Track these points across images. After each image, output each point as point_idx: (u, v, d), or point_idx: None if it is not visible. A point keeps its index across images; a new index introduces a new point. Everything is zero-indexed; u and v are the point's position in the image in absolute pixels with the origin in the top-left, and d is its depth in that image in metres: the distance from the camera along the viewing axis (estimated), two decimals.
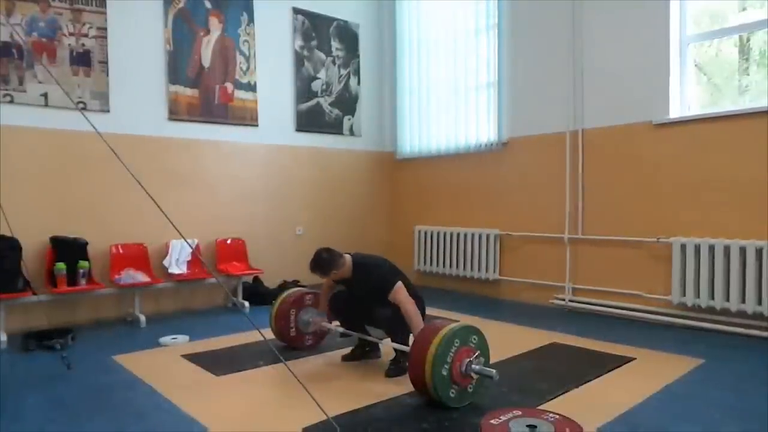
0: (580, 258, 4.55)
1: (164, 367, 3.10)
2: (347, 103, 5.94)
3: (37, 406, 2.50)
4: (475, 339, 2.51)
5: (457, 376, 2.40)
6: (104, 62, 4.33)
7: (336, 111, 5.85)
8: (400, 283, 2.88)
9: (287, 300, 3.38)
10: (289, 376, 2.11)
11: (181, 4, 4.74)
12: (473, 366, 2.42)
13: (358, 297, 3.06)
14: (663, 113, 4.02)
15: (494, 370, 2.41)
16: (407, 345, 2.77)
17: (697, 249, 3.80)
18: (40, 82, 4.05)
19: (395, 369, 2.88)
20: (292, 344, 3.37)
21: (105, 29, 4.34)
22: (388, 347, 2.96)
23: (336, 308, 3.19)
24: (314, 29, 5.65)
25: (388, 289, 2.86)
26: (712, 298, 3.73)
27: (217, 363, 3.13)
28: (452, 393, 2.41)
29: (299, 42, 5.54)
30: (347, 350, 3.25)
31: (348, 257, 3.01)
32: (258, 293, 4.91)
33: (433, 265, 5.63)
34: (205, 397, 2.63)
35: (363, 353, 3.20)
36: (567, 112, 4.56)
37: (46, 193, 4.08)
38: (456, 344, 2.40)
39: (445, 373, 2.36)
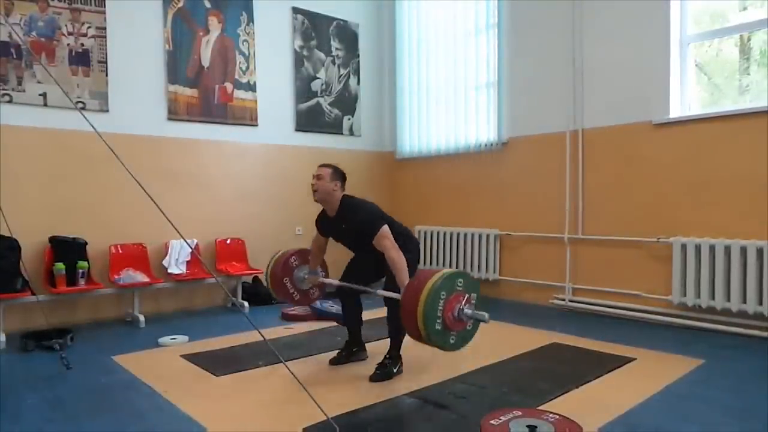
0: (580, 258, 4.54)
1: (163, 367, 3.10)
2: (347, 102, 5.94)
3: (36, 406, 2.50)
4: (461, 282, 2.43)
5: (452, 324, 2.39)
6: (103, 62, 4.33)
7: (336, 111, 5.84)
8: (386, 228, 2.73)
9: (275, 272, 3.22)
10: (288, 376, 2.11)
11: (181, 4, 4.73)
12: (465, 311, 2.40)
13: (346, 243, 3.00)
14: (663, 113, 4.02)
15: (486, 314, 2.42)
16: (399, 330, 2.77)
17: (698, 249, 3.79)
18: (39, 82, 4.04)
19: (381, 374, 2.83)
20: (280, 292, 3.28)
21: (104, 29, 4.33)
22: (375, 349, 2.95)
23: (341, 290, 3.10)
24: (314, 29, 5.64)
25: (372, 233, 2.72)
26: (713, 298, 3.72)
27: (217, 363, 3.12)
28: (452, 339, 2.41)
29: (299, 42, 5.53)
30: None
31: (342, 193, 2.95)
32: (257, 293, 4.90)
33: (433, 265, 5.62)
34: (204, 397, 2.62)
35: (350, 354, 3.15)
36: (567, 111, 4.56)
37: (45, 193, 4.07)
38: (442, 297, 2.34)
39: (439, 327, 2.34)
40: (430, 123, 5.79)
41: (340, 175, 2.95)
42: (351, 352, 3.16)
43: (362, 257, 3.07)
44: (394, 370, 2.87)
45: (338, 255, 3.26)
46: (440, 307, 2.34)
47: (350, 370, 3.02)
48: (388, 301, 2.83)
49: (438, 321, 2.33)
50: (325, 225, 3.07)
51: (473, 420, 2.25)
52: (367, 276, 3.02)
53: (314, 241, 3.21)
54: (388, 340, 2.97)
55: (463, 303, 2.41)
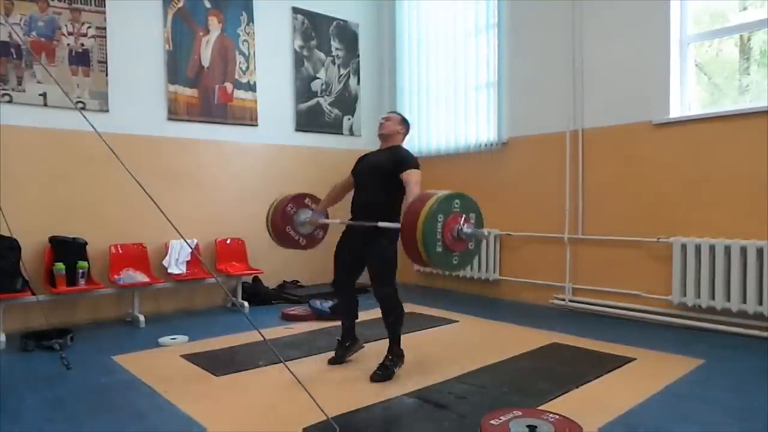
0: (580, 258, 4.54)
1: (164, 367, 3.10)
2: (347, 102, 5.94)
3: (36, 406, 2.50)
4: (457, 203, 2.44)
5: (453, 245, 2.41)
6: (103, 62, 4.33)
7: (336, 111, 5.84)
8: (420, 172, 2.90)
9: (276, 223, 3.29)
10: (288, 376, 2.11)
11: (181, 4, 4.73)
12: (465, 230, 2.42)
13: (368, 177, 3.03)
14: (663, 113, 4.02)
15: (486, 230, 2.48)
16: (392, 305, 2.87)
17: (698, 249, 3.79)
18: (39, 82, 4.04)
19: (382, 375, 2.83)
20: (285, 242, 3.30)
21: (104, 29, 4.33)
22: (376, 349, 2.95)
23: (337, 285, 3.16)
24: (314, 29, 5.64)
25: (408, 166, 2.87)
26: (713, 298, 3.72)
27: (217, 363, 3.12)
28: (455, 260, 2.46)
29: (299, 42, 5.53)
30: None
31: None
32: (258, 293, 4.90)
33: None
34: (204, 397, 2.62)
35: (345, 349, 3.15)
36: (567, 111, 4.55)
37: (45, 193, 4.07)
38: (440, 219, 2.36)
39: (440, 249, 2.37)
40: (430, 123, 5.79)
41: (406, 123, 3.19)
42: (345, 347, 3.16)
43: (363, 204, 3.03)
44: (396, 370, 2.87)
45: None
46: (438, 230, 2.36)
47: (350, 370, 3.02)
48: (381, 302, 2.90)
49: (438, 243, 2.36)
50: (364, 159, 3.17)
51: (473, 420, 2.25)
52: (354, 265, 3.07)
53: (338, 184, 3.30)
54: (387, 340, 2.97)
55: (462, 223, 2.43)
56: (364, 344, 3.25)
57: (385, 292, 2.90)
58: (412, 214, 2.39)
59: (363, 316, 3.24)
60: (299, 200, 3.34)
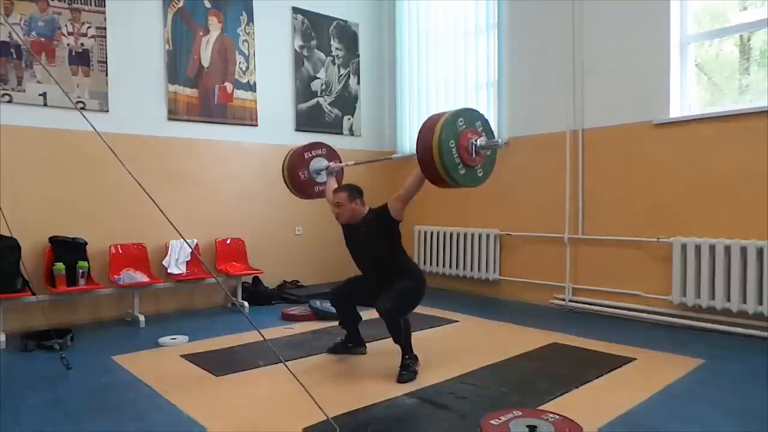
0: (580, 258, 4.54)
1: (164, 367, 3.10)
2: (347, 102, 5.94)
3: (36, 406, 2.50)
4: (461, 122, 2.54)
5: (472, 161, 2.54)
6: (103, 62, 4.32)
7: (336, 111, 5.84)
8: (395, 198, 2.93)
9: (304, 145, 3.51)
10: (288, 376, 2.10)
11: (181, 4, 4.73)
12: (478, 144, 2.54)
13: (362, 254, 3.10)
14: (663, 113, 4.02)
15: (498, 140, 2.61)
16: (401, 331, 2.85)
17: (698, 249, 3.79)
18: (39, 82, 4.04)
19: (408, 374, 2.79)
20: (301, 189, 3.49)
21: (104, 29, 4.33)
22: (377, 348, 2.95)
23: (338, 299, 3.20)
24: (314, 29, 5.64)
25: (387, 213, 2.91)
26: (713, 298, 3.72)
27: (217, 363, 3.12)
28: (480, 173, 2.62)
29: (299, 42, 5.53)
30: (383, 345, 3.28)
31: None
32: (258, 293, 4.90)
33: (433, 266, 5.62)
34: (204, 397, 2.62)
35: (347, 347, 3.27)
36: (567, 111, 4.55)
37: (45, 193, 4.07)
38: (452, 145, 2.47)
39: (463, 171, 2.51)
40: None
41: (357, 193, 3.05)
42: (347, 347, 3.27)
43: (368, 274, 3.12)
44: (417, 369, 2.88)
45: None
46: (455, 154, 2.48)
47: (350, 370, 3.02)
48: (385, 316, 2.82)
49: (460, 167, 2.51)
50: (350, 238, 3.15)
51: (473, 420, 2.25)
52: (365, 294, 3.04)
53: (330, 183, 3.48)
54: (391, 341, 2.95)
55: (473, 138, 2.54)
56: (367, 342, 3.26)
57: (386, 308, 2.79)
58: (425, 152, 2.49)
59: (364, 315, 3.24)
60: (316, 146, 3.52)
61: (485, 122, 2.64)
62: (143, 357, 3.31)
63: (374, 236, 2.96)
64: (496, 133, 5.10)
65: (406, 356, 2.88)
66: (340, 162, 3.62)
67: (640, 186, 4.16)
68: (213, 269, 4.73)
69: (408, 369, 2.82)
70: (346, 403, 2.44)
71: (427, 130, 2.50)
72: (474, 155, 2.54)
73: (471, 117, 2.59)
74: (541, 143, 4.79)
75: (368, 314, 3.28)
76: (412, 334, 2.95)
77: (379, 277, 2.97)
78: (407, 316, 2.92)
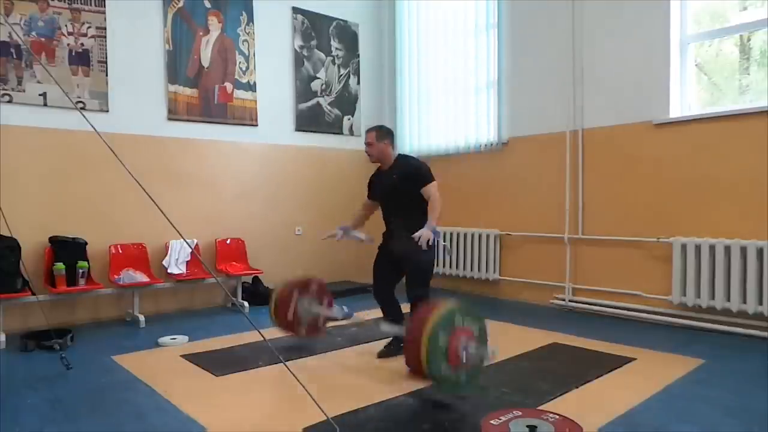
0: (580, 258, 4.54)
1: (164, 367, 3.10)
2: (347, 102, 5.94)
3: (36, 406, 2.50)
4: (460, 320, 2.45)
5: (457, 362, 2.38)
6: (103, 62, 4.32)
7: (335, 111, 5.84)
8: (436, 183, 3.07)
9: (293, 282, 3.37)
10: (288, 376, 2.10)
11: (181, 4, 4.73)
12: (470, 350, 2.41)
13: (389, 197, 3.20)
14: (663, 113, 4.02)
15: (492, 348, 2.48)
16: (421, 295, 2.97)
17: (698, 249, 3.79)
18: (39, 82, 4.04)
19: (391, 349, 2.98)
20: (284, 327, 3.36)
21: (104, 29, 4.33)
22: (375, 348, 2.95)
23: (379, 297, 3.29)
24: (314, 29, 5.64)
25: (425, 180, 3.05)
26: (713, 298, 3.72)
27: (217, 363, 3.12)
28: (462, 378, 2.43)
29: (299, 42, 5.53)
30: (381, 345, 3.27)
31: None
32: (257, 293, 4.90)
33: (436, 266, 5.62)
34: (204, 397, 2.62)
35: (399, 349, 3.13)
36: (567, 111, 4.55)
37: (45, 193, 4.07)
38: (443, 340, 2.34)
39: (444, 367, 2.35)
40: (430, 123, 5.79)
41: (386, 133, 3.23)
42: (399, 347, 3.16)
43: (391, 231, 3.23)
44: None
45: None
46: (443, 349, 2.33)
47: (351, 370, 3.02)
48: (413, 304, 2.99)
49: (443, 364, 2.34)
50: (377, 180, 3.32)
51: (473, 420, 2.25)
52: (391, 277, 3.23)
53: (363, 205, 3.47)
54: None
55: (466, 340, 2.40)
56: (363, 344, 3.26)
57: (416, 294, 3.03)
58: (414, 334, 2.38)
59: (365, 315, 3.25)
60: (305, 287, 3.37)
61: (483, 328, 2.52)
62: (143, 357, 3.31)
63: (404, 178, 3.11)
64: (496, 133, 5.15)
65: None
66: (330, 300, 3.48)
67: (640, 186, 4.16)
68: (213, 269, 4.73)
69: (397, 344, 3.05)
70: (346, 403, 2.44)
71: (421, 316, 2.42)
72: (462, 358, 2.37)
73: (472, 317, 2.48)
74: (541, 143, 4.79)
75: (366, 315, 3.28)
76: None
77: (402, 223, 3.09)
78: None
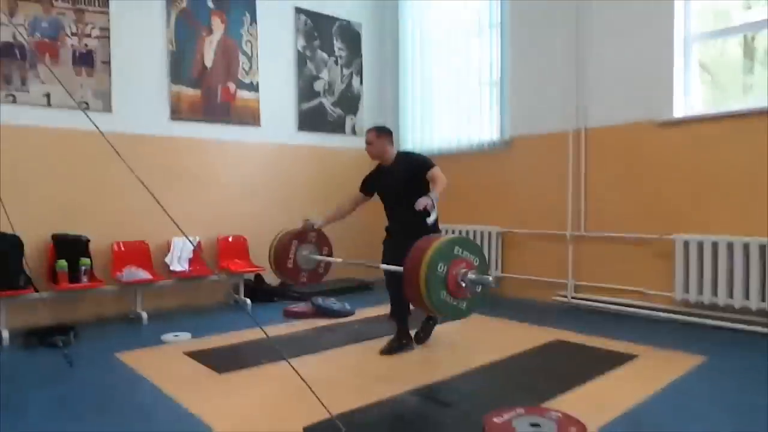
0: (582, 255, 4.54)
1: (167, 364, 3.11)
2: (349, 102, 5.94)
3: (39, 403, 2.50)
4: (459, 250, 2.43)
5: (457, 292, 2.38)
6: (107, 62, 4.34)
7: (338, 111, 5.85)
8: (438, 167, 3.18)
9: (291, 232, 3.41)
10: (292, 373, 2.11)
11: (184, 4, 4.75)
12: (469, 276, 2.39)
13: (390, 188, 3.32)
14: (667, 112, 4.01)
15: (489, 277, 2.43)
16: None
17: (700, 246, 3.78)
18: (42, 83, 4.06)
19: (424, 336, 3.24)
20: (286, 276, 3.38)
21: (108, 29, 4.34)
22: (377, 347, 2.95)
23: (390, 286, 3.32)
24: (317, 29, 5.65)
25: (427, 167, 3.18)
26: (715, 295, 3.72)
27: (220, 360, 3.12)
28: (463, 306, 2.44)
29: (302, 42, 5.54)
30: (384, 343, 3.30)
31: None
32: (260, 290, 4.91)
33: None
34: (207, 394, 2.63)
35: (400, 346, 3.25)
36: (570, 110, 4.55)
37: (48, 192, 4.08)
38: (440, 269, 2.33)
39: (444, 297, 2.35)
40: (433, 122, 5.79)
41: (385, 132, 3.40)
42: (402, 344, 3.27)
43: (399, 221, 3.32)
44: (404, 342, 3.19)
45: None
46: (442, 277, 2.34)
47: (353, 368, 3.03)
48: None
49: (443, 292, 2.35)
50: (377, 178, 3.44)
51: (476, 418, 2.25)
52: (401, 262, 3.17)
53: (353, 199, 3.54)
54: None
55: (465, 269, 2.40)
56: (365, 341, 3.27)
57: None
58: (413, 264, 2.37)
59: (367, 313, 3.25)
60: (303, 236, 3.40)
61: (483, 261, 2.50)
62: (146, 354, 3.32)
63: (408, 171, 3.24)
64: (499, 132, 5.15)
65: (431, 321, 3.37)
66: (329, 249, 3.53)
67: (642, 184, 4.16)
68: (215, 267, 4.74)
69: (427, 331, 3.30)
70: (350, 401, 2.44)
71: (426, 241, 2.41)
72: (460, 287, 2.38)
73: (472, 250, 2.47)
74: (544, 142, 4.78)
75: (370, 312, 3.28)
76: (411, 330, 2.98)
77: (407, 219, 3.10)
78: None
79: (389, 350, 3.21)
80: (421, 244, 2.45)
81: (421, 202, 2.78)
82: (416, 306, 2.47)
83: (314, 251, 3.42)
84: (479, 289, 2.44)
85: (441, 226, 5.52)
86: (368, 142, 3.39)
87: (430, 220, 2.82)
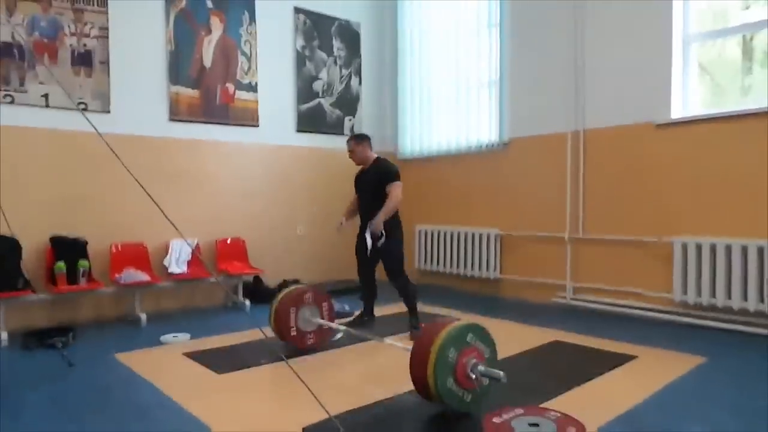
0: (581, 257, 4.54)
1: (166, 365, 3.10)
2: (348, 103, 5.94)
3: (38, 404, 2.50)
4: (471, 336, 2.35)
5: (465, 381, 2.28)
6: (105, 62, 4.33)
7: (337, 111, 5.85)
8: (400, 183, 3.63)
9: (286, 299, 3.33)
10: (290, 374, 2.11)
11: (183, 4, 4.74)
12: (479, 368, 2.30)
13: (365, 190, 3.76)
14: (665, 113, 4.02)
15: (501, 372, 2.28)
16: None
17: (699, 248, 3.79)
18: (41, 83, 4.05)
19: (419, 330, 3.31)
20: (293, 344, 3.35)
21: (106, 29, 4.34)
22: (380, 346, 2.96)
23: (360, 268, 3.91)
24: (316, 29, 5.65)
25: (389, 180, 3.60)
26: (714, 296, 3.72)
27: (219, 361, 3.12)
28: (468, 398, 2.32)
29: (301, 42, 5.54)
30: (384, 343, 3.21)
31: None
32: (259, 292, 4.90)
33: (435, 265, 5.63)
34: (206, 395, 2.63)
35: (361, 321, 3.86)
36: (568, 112, 4.56)
37: (47, 193, 4.08)
38: (452, 355, 2.25)
39: (451, 386, 2.26)
40: (432, 123, 5.80)
41: (364, 138, 3.82)
42: (363, 321, 3.88)
43: (367, 218, 3.71)
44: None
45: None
46: (452, 364, 2.25)
47: (352, 368, 3.03)
48: (398, 289, 3.67)
49: (450, 379, 2.25)
50: (358, 178, 3.90)
51: (475, 418, 2.25)
52: (369, 260, 3.77)
53: (353, 200, 4.01)
54: (393, 339, 3.00)
55: (476, 360, 2.31)
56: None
57: (399, 283, 3.65)
58: (423, 343, 2.28)
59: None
60: (299, 300, 3.34)
61: (494, 353, 2.42)
62: (145, 355, 3.31)
63: (377, 177, 3.68)
64: (497, 134, 5.15)
65: (415, 319, 3.64)
66: (328, 302, 3.49)
67: (641, 186, 4.16)
68: (214, 269, 4.73)
69: (418, 327, 3.46)
70: (347, 402, 2.44)
71: (431, 329, 2.34)
72: (470, 378, 2.28)
73: (484, 339, 2.40)
74: (542, 143, 4.79)
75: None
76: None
77: (372, 209, 3.62)
78: (414, 286, 3.72)
79: (352, 324, 3.71)
80: (432, 327, 2.37)
81: (372, 235, 3.47)
82: (418, 389, 2.35)
83: (314, 311, 3.38)
84: (486, 382, 2.34)
85: (441, 227, 5.56)
86: (350, 150, 3.77)
87: (378, 244, 3.51)
